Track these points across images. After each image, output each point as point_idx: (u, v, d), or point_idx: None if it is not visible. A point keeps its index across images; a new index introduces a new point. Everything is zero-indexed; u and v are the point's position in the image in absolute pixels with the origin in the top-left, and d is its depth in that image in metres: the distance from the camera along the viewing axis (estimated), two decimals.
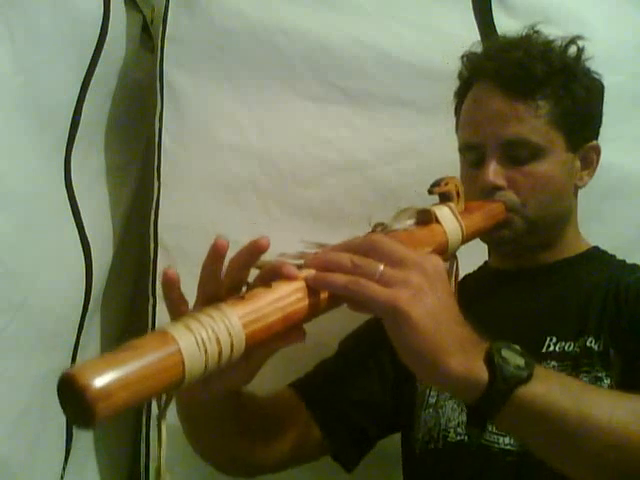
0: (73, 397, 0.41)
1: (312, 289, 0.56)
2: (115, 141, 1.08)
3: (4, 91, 0.79)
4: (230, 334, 0.49)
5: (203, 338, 0.47)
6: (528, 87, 0.82)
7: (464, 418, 0.80)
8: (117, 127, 1.08)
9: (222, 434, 0.75)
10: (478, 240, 0.89)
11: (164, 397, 0.55)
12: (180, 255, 1.05)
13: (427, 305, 0.54)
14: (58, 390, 0.43)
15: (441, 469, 0.82)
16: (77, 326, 0.94)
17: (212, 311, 0.50)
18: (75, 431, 0.94)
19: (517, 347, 0.58)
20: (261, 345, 0.54)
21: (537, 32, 0.87)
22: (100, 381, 0.41)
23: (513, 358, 0.56)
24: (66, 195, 0.92)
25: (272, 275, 0.55)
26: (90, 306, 0.96)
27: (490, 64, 0.85)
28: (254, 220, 1.07)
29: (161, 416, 0.54)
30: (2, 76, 0.78)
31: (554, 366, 0.77)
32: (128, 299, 1.18)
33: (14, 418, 0.81)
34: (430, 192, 0.74)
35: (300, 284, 0.55)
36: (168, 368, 0.45)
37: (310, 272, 0.57)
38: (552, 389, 0.57)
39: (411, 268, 0.55)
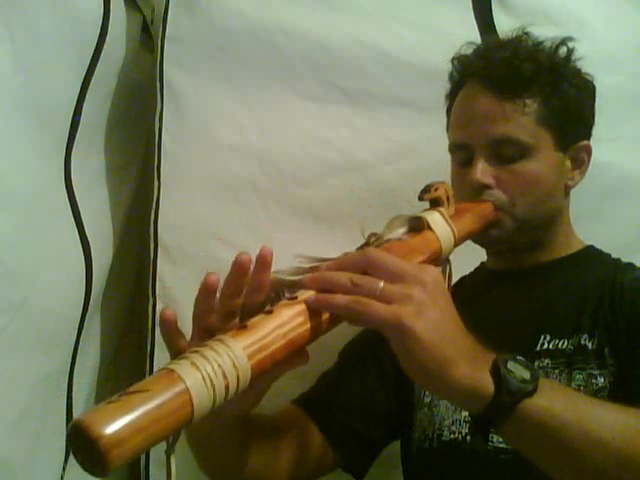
0: (86, 446, 0.41)
1: (313, 311, 0.56)
2: (115, 141, 1.08)
3: (4, 91, 0.79)
4: (236, 367, 0.49)
5: (209, 374, 0.47)
6: (515, 86, 0.82)
7: (458, 416, 0.80)
8: (117, 127, 1.08)
9: (231, 456, 0.75)
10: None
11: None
12: (180, 255, 1.05)
13: (430, 319, 0.55)
14: (69, 438, 0.42)
15: (436, 467, 0.82)
16: (77, 326, 0.94)
17: (216, 345, 0.50)
18: None
19: (523, 359, 0.58)
20: (265, 372, 0.53)
21: (527, 34, 0.87)
22: (112, 429, 0.41)
23: (519, 371, 0.56)
24: (66, 195, 0.92)
25: (271, 299, 0.55)
26: (90, 306, 0.96)
27: (478, 64, 0.86)
28: (254, 220, 1.07)
29: (170, 452, 0.54)
30: (2, 76, 0.78)
31: (548, 364, 0.77)
32: (128, 299, 1.18)
33: (14, 418, 0.81)
34: (420, 199, 0.74)
35: (301, 307, 0.55)
36: (177, 408, 0.45)
37: (310, 293, 0.57)
38: (556, 403, 0.57)
39: (411, 282, 0.56)
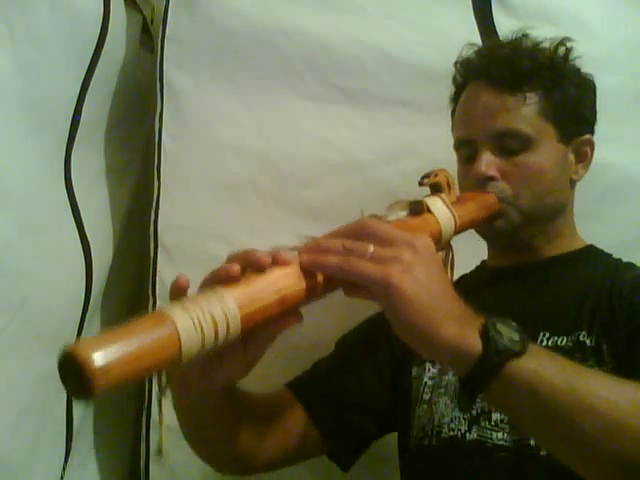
0: (73, 371, 0.42)
1: (307, 273, 0.57)
2: (115, 141, 1.08)
3: (4, 91, 0.79)
4: (226, 314, 0.50)
5: (199, 317, 0.49)
6: (516, 80, 0.84)
7: (457, 414, 0.80)
8: (117, 127, 1.08)
9: (218, 431, 0.75)
10: (478, 240, 0.89)
11: (164, 380, 0.56)
12: (180, 255, 1.05)
13: (419, 279, 0.56)
14: (59, 365, 0.44)
15: (435, 465, 0.82)
16: (77, 326, 0.94)
17: (208, 293, 0.52)
18: (75, 431, 0.94)
19: (513, 323, 0.59)
20: (257, 327, 0.55)
21: (526, 35, 0.88)
22: (99, 356, 0.42)
23: (508, 332, 0.57)
24: (66, 195, 0.92)
25: (267, 262, 0.56)
26: (90, 306, 0.96)
27: (479, 64, 0.88)
28: (254, 220, 1.07)
29: (161, 395, 0.55)
30: (2, 76, 0.78)
31: None
32: (128, 299, 1.18)
33: (14, 418, 0.81)
34: (421, 184, 0.76)
35: (295, 268, 0.57)
36: (165, 345, 0.47)
37: (303, 256, 0.58)
38: (544, 366, 0.57)
39: (401, 246, 0.57)
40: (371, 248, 0.57)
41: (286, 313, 0.56)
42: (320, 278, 0.58)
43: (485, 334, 0.56)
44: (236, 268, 0.54)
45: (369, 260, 0.56)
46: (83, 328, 0.95)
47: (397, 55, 1.08)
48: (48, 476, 0.90)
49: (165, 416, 0.55)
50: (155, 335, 0.46)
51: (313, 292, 0.58)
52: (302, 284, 0.57)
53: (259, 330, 0.57)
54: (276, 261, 0.56)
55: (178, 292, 0.56)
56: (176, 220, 1.06)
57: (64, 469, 0.92)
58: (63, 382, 0.44)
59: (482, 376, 0.56)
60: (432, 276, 0.57)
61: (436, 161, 0.91)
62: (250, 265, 0.55)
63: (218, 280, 0.54)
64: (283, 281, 0.56)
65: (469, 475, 0.79)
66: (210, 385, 0.65)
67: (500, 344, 0.56)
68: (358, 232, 0.60)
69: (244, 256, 0.56)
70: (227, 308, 0.51)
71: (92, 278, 0.96)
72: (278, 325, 0.57)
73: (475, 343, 0.56)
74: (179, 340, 0.47)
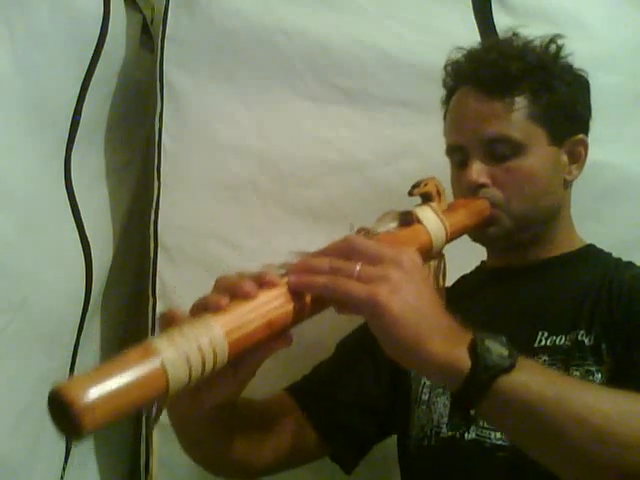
0: (61, 412, 0.42)
1: (295, 294, 0.57)
2: (115, 141, 1.08)
3: (4, 91, 0.79)
4: (212, 343, 0.50)
5: (185, 349, 0.48)
6: (504, 85, 0.83)
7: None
8: (117, 127, 1.08)
9: (214, 442, 0.75)
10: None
11: (154, 408, 0.55)
12: (180, 255, 1.05)
13: (406, 297, 0.56)
14: (48, 405, 0.44)
15: (434, 465, 0.82)
16: (77, 326, 0.94)
17: (195, 322, 0.51)
18: None
19: (502, 338, 0.58)
20: (246, 353, 0.54)
21: (516, 34, 0.88)
22: (85, 395, 0.42)
23: (496, 348, 0.57)
24: (66, 195, 0.92)
25: (254, 292, 0.56)
26: (90, 306, 0.96)
27: (468, 68, 0.87)
28: (254, 220, 1.07)
29: (152, 428, 0.54)
30: (2, 76, 0.78)
31: (545, 360, 0.77)
32: (128, 299, 1.18)
33: (14, 418, 0.81)
34: (410, 194, 0.75)
35: (282, 290, 0.56)
36: (151, 379, 0.46)
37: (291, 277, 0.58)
38: (534, 380, 0.57)
39: (388, 264, 0.57)
40: (357, 267, 0.57)
41: (275, 336, 0.56)
42: (308, 299, 0.58)
43: (474, 350, 0.56)
44: (224, 302, 0.53)
45: (356, 279, 0.56)
46: (83, 328, 0.95)
47: (397, 55, 1.08)
48: (48, 476, 0.90)
49: (156, 448, 0.55)
50: (141, 370, 0.46)
51: (301, 313, 0.57)
52: (290, 306, 0.56)
53: (248, 355, 0.56)
54: (264, 284, 0.56)
55: (168, 323, 0.55)
56: (176, 220, 1.06)
57: (64, 469, 0.92)
58: (54, 421, 0.44)
59: (472, 393, 0.56)
60: (420, 294, 0.57)
61: (436, 161, 0.91)
62: (238, 296, 0.55)
63: (206, 310, 0.54)
64: (270, 304, 0.55)
65: (468, 475, 0.79)
66: (202, 407, 0.65)
67: (489, 360, 0.56)
68: (345, 250, 0.60)
69: (232, 286, 0.55)
70: (214, 337, 0.50)
71: (92, 278, 0.96)
72: (267, 349, 0.57)
73: (464, 360, 0.56)
74: (166, 374, 0.47)
